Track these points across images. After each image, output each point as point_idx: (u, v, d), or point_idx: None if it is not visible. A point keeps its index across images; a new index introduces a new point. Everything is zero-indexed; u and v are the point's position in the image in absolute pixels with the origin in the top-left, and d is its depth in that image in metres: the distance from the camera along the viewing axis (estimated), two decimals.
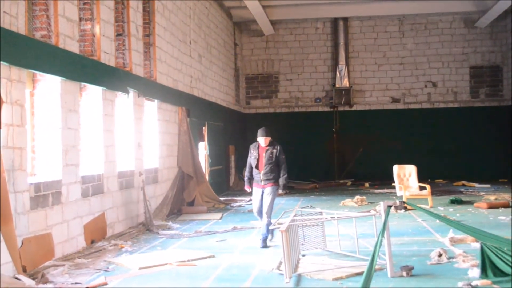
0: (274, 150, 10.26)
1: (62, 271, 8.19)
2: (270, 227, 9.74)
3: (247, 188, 10.71)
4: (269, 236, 10.23)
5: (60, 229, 9.22)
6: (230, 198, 18.65)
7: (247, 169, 10.63)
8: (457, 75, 25.91)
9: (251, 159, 10.41)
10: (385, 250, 7.64)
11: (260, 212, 10.27)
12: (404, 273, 7.60)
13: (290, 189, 22.08)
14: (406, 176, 16.36)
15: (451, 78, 25.95)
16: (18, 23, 8.18)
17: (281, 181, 10.27)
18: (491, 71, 25.75)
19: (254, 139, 10.68)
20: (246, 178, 10.66)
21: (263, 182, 10.20)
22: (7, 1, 7.89)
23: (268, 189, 10.19)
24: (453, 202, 16.05)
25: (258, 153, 10.31)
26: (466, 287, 6.84)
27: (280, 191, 10.43)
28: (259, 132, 10.39)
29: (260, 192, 10.26)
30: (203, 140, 18.81)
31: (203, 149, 18.70)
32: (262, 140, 10.33)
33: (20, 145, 8.15)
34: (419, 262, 8.36)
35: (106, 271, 8.36)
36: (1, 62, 7.63)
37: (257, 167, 10.29)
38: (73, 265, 8.63)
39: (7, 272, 7.47)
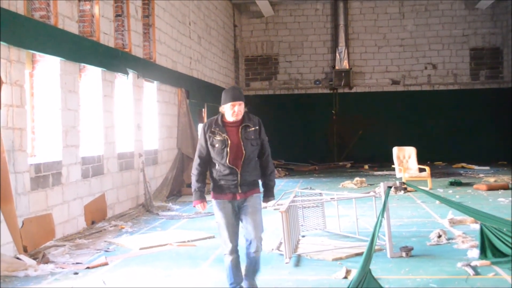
0: (256, 128, 5.70)
1: (63, 251, 8.23)
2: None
3: (199, 205, 5.78)
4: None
5: (61, 209, 9.24)
6: None
7: (196, 169, 5.74)
8: (457, 57, 25.82)
9: (215, 148, 5.61)
10: (385, 231, 7.66)
11: (237, 246, 5.82)
12: (404, 254, 7.64)
13: (290, 171, 22.10)
14: (405, 158, 16.37)
15: (451, 60, 25.86)
16: (17, 3, 8.13)
17: (270, 184, 5.91)
18: (491, 53, 25.66)
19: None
20: (195, 186, 5.75)
21: (241, 189, 5.63)
22: None
23: (252, 201, 5.72)
24: (452, 184, 16.08)
25: (228, 135, 5.60)
26: (465, 268, 6.87)
27: (269, 202, 6.06)
28: (228, 94, 5.66)
29: (235, 210, 5.77)
30: (202, 121, 18.78)
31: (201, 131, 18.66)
32: (231, 110, 5.61)
33: (20, 125, 8.14)
34: (418, 243, 8.40)
35: (106, 251, 8.40)
36: (1, 43, 7.60)
37: (230, 162, 5.57)
38: (73, 246, 8.67)
39: (8, 252, 7.50)
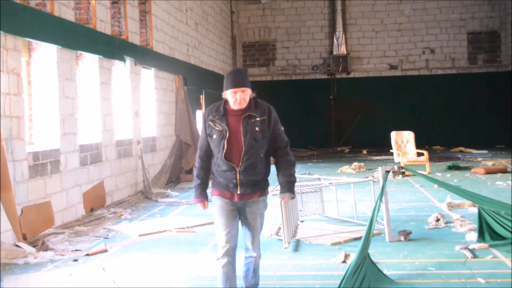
0: (263, 118, 4.82)
1: (62, 238, 8.24)
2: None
3: (199, 203, 5.01)
4: None
5: (59, 197, 9.25)
6: None
7: (197, 162, 4.99)
8: (455, 41, 25.78)
9: (213, 139, 4.83)
10: (383, 215, 7.69)
11: (234, 250, 4.96)
12: (402, 238, 7.66)
13: None
14: (404, 142, 16.39)
15: (449, 44, 25.82)
16: None
17: (291, 180, 4.97)
18: (489, 36, 25.61)
19: None
20: (196, 183, 4.99)
21: (240, 190, 4.81)
22: None
23: (254, 206, 4.94)
24: (450, 168, 16.11)
25: (228, 125, 4.79)
26: (463, 251, 6.90)
27: (286, 198, 5.05)
28: (229, 79, 4.77)
29: (234, 208, 4.92)
30: (200, 108, 18.78)
31: (200, 117, 18.67)
32: (233, 98, 4.76)
33: (18, 114, 8.13)
34: (416, 227, 8.43)
35: (106, 238, 8.42)
36: None
37: (226, 157, 4.77)
38: (73, 233, 8.68)
39: (7, 240, 7.52)
